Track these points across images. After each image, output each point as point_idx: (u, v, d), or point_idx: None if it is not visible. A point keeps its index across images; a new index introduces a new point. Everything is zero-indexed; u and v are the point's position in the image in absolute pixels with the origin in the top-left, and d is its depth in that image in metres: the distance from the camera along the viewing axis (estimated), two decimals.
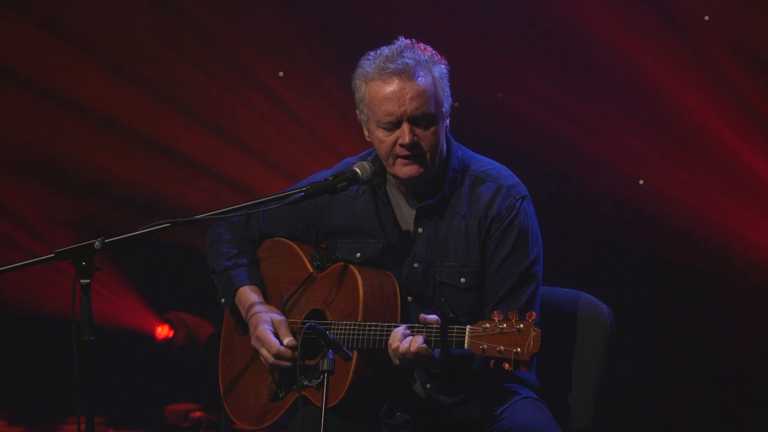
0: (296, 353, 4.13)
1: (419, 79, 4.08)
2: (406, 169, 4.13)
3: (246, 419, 4.39)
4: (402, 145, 4.10)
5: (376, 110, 4.12)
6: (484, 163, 4.28)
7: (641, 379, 6.82)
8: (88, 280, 3.72)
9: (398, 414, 4.22)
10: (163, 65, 7.39)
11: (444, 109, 4.14)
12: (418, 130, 4.10)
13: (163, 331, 7.66)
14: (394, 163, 4.15)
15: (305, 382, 4.22)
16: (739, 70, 6.64)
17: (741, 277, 6.70)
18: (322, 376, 3.90)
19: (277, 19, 7.29)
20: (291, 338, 4.20)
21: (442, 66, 4.16)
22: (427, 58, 4.12)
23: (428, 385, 4.21)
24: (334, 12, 7.19)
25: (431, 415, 4.23)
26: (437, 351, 3.96)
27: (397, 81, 4.09)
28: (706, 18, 6.67)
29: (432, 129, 4.11)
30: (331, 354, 3.88)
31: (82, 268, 3.71)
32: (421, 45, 4.18)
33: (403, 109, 4.08)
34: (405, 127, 4.09)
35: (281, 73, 7.34)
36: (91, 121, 7.44)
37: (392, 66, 4.08)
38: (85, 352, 3.68)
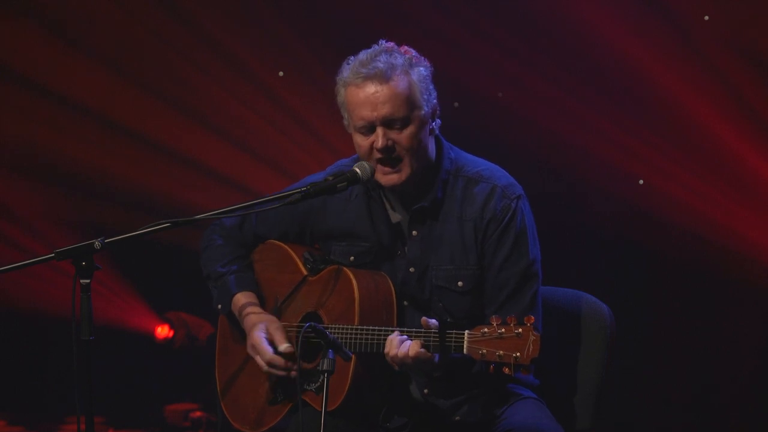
0: (290, 362, 4.13)
1: (391, 82, 4.06)
2: (386, 179, 4.13)
3: (244, 422, 4.37)
4: (377, 149, 4.09)
5: (353, 115, 4.12)
6: (476, 164, 4.25)
7: (641, 379, 6.82)
8: (88, 280, 3.71)
9: (396, 418, 4.22)
10: (163, 65, 7.39)
11: (424, 111, 4.10)
12: (393, 134, 4.08)
13: (163, 331, 7.66)
14: (376, 170, 4.13)
15: (304, 386, 4.21)
16: (740, 70, 6.64)
17: (741, 277, 6.70)
18: (321, 377, 3.89)
19: (277, 19, 7.29)
20: (287, 345, 4.17)
21: (422, 69, 4.12)
22: (403, 61, 4.09)
23: (426, 390, 4.19)
24: (334, 12, 7.19)
25: (429, 419, 4.22)
26: (437, 356, 3.94)
27: (369, 85, 4.07)
28: (707, 18, 6.66)
29: (407, 131, 4.08)
30: (330, 354, 3.87)
31: (82, 268, 3.71)
32: (403, 48, 4.15)
33: (375, 113, 4.07)
34: (379, 131, 4.08)
35: (281, 73, 7.34)
36: (91, 121, 7.44)
37: (365, 70, 4.07)
38: (85, 352, 3.68)
